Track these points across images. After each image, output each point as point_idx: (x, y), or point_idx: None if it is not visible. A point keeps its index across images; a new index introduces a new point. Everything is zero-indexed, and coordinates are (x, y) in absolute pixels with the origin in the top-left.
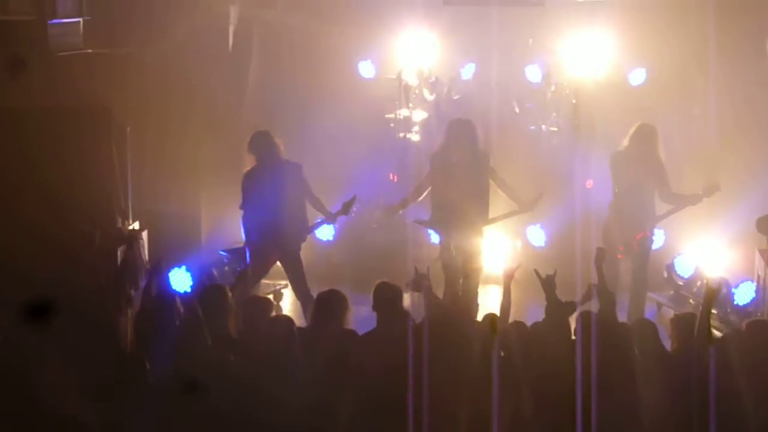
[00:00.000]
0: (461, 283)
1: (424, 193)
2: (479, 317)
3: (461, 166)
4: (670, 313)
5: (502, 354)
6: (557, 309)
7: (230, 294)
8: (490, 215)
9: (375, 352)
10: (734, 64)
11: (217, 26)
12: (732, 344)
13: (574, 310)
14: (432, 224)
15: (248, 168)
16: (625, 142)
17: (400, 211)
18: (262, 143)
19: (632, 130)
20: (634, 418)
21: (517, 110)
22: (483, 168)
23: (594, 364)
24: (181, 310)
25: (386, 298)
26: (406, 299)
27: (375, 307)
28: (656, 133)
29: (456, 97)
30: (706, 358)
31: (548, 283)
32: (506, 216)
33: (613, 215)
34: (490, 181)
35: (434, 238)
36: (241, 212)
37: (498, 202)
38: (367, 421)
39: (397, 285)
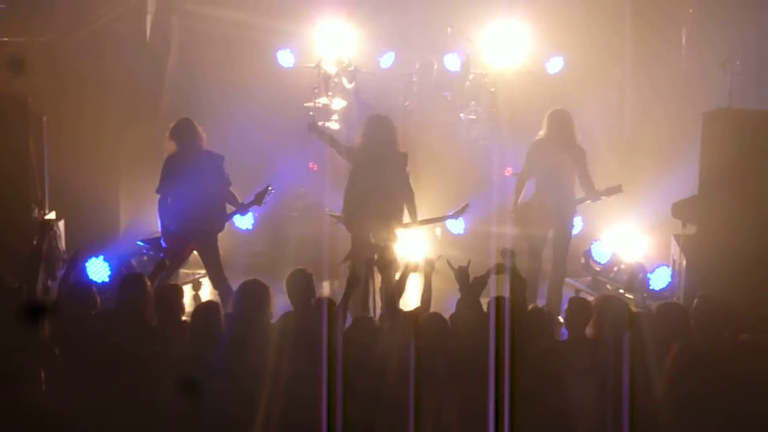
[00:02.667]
0: (381, 278)
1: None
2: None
3: (377, 164)
4: (588, 298)
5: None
6: (471, 297)
7: (149, 283)
8: (421, 216)
9: (293, 340)
10: (651, 53)
11: (134, 15)
12: (644, 327)
13: (485, 285)
14: (344, 220)
15: (170, 153)
16: (542, 131)
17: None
18: (184, 131)
19: (546, 117)
20: (552, 400)
21: (449, 99)
22: (399, 168)
23: (507, 349)
24: (99, 299)
25: (299, 286)
26: (325, 287)
27: (289, 295)
28: (570, 118)
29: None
30: (622, 341)
31: (461, 274)
32: (435, 220)
33: (535, 203)
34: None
35: None
36: (158, 197)
37: (429, 198)
38: (285, 406)
39: (309, 272)
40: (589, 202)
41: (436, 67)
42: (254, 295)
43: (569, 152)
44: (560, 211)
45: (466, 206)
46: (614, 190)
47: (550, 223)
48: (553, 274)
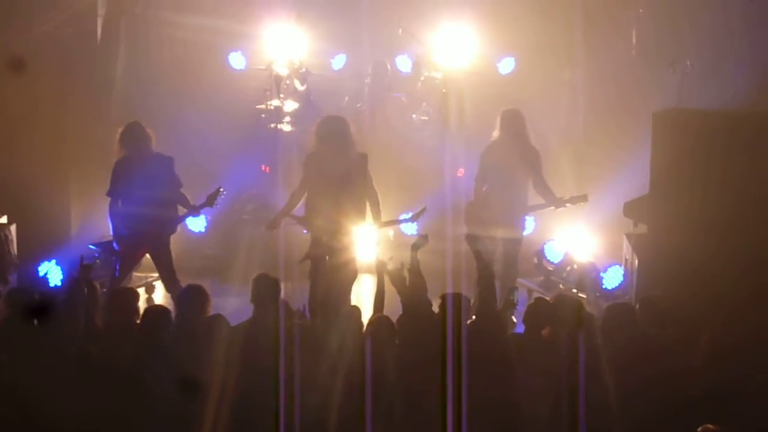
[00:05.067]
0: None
1: (302, 200)
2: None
3: (336, 167)
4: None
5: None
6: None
7: (98, 287)
8: (383, 218)
9: (250, 343)
10: (601, 53)
11: (84, 18)
12: (595, 325)
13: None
14: (304, 223)
15: (119, 157)
16: (495, 131)
17: (282, 222)
18: (133, 134)
19: (498, 117)
20: (507, 399)
21: (404, 100)
22: (359, 170)
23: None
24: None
25: (265, 291)
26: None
27: (253, 299)
28: (523, 117)
29: None
30: (576, 339)
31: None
32: (393, 223)
33: (487, 203)
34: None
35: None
36: (109, 200)
37: (381, 200)
38: (238, 409)
39: (275, 277)
40: (552, 208)
41: (389, 68)
42: (191, 300)
43: (522, 153)
44: (512, 212)
45: (423, 210)
46: (579, 199)
47: (501, 223)
48: (504, 274)
